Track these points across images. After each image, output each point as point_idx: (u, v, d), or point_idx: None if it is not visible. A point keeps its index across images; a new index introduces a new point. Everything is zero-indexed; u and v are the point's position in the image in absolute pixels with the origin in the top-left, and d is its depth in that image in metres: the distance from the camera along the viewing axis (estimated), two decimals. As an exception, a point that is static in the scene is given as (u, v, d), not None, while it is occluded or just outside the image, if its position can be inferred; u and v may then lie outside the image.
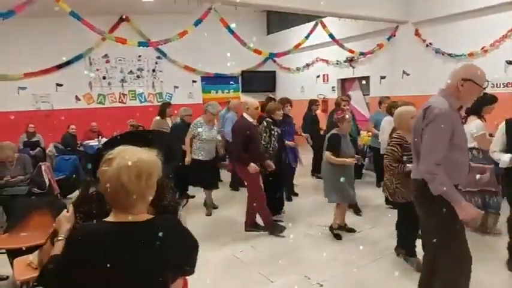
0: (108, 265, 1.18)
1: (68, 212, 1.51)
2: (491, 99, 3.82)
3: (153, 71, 10.03)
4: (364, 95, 8.92)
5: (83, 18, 5.82)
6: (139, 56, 9.77)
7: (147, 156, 1.28)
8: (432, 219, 2.29)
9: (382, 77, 8.32)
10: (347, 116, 4.05)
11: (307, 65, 10.21)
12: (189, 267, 1.41)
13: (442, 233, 2.25)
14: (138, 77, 9.89)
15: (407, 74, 7.69)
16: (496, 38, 6.29)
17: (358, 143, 6.04)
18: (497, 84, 6.38)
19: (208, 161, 5.07)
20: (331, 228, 4.16)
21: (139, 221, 1.25)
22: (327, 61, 9.61)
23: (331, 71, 9.61)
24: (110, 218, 1.26)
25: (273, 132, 4.49)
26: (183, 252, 1.37)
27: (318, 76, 9.95)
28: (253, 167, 4.06)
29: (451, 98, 2.23)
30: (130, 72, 9.79)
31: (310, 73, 10.19)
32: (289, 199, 5.49)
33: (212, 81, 10.70)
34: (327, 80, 9.73)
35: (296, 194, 5.77)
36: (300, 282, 3.16)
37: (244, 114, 4.34)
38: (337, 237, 4.06)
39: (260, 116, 4.77)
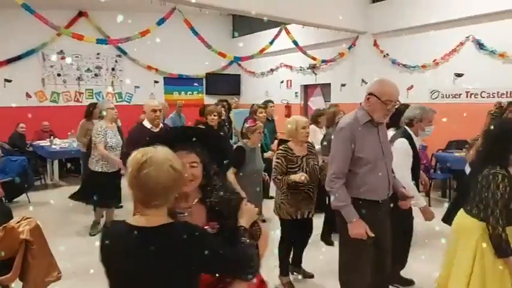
0: (121, 266, 1.26)
1: None
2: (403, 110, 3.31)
3: (113, 69, 9.65)
4: (325, 101, 9.16)
5: (35, 11, 5.49)
6: (98, 54, 9.35)
7: (174, 157, 1.31)
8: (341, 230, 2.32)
9: (343, 85, 8.59)
10: (259, 126, 3.62)
11: (272, 70, 10.32)
12: (238, 274, 1.41)
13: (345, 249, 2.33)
14: (96, 75, 9.46)
15: (366, 83, 8.00)
16: (446, 51, 6.72)
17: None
18: (446, 95, 6.81)
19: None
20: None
21: (154, 226, 1.26)
22: (290, 67, 9.77)
23: (294, 77, 9.77)
24: (130, 219, 1.31)
25: None
26: (207, 259, 1.28)
27: (282, 81, 10.09)
28: None
29: (363, 111, 2.23)
30: (88, 70, 9.35)
31: (274, 78, 10.31)
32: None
33: (175, 82, 10.49)
34: (291, 86, 9.89)
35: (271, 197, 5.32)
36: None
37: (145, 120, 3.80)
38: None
39: (196, 120, 4.66)
